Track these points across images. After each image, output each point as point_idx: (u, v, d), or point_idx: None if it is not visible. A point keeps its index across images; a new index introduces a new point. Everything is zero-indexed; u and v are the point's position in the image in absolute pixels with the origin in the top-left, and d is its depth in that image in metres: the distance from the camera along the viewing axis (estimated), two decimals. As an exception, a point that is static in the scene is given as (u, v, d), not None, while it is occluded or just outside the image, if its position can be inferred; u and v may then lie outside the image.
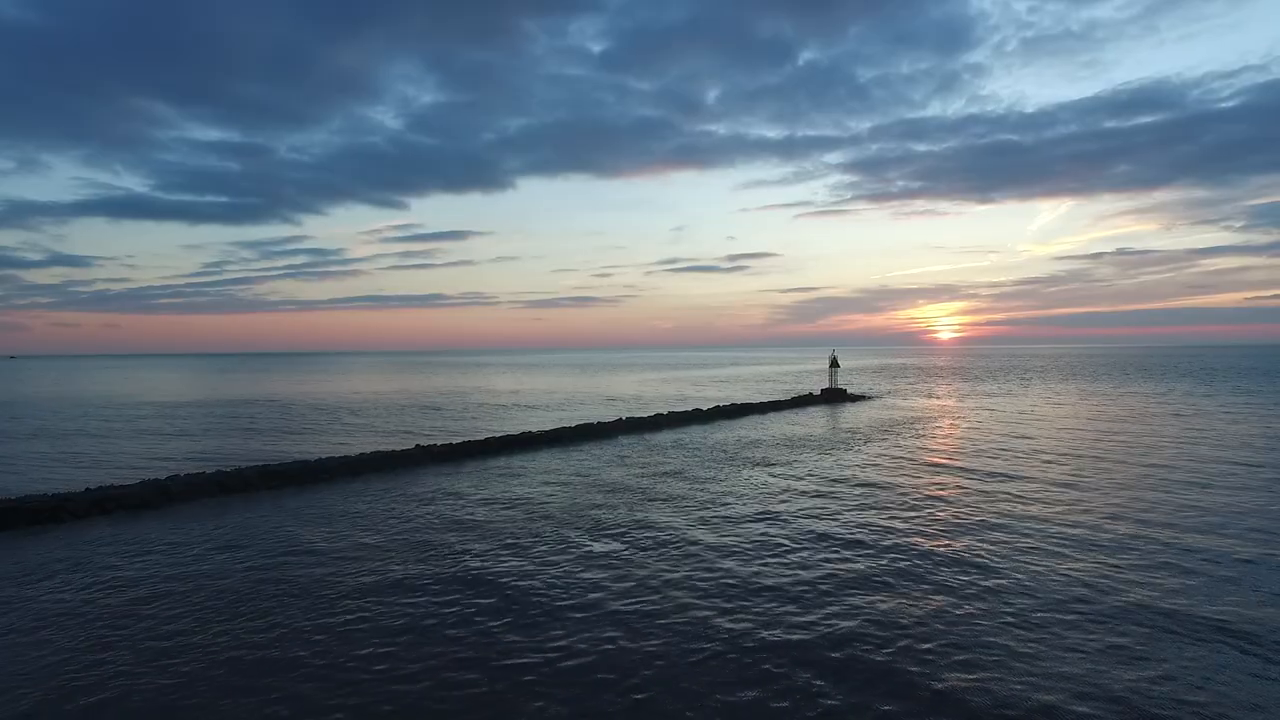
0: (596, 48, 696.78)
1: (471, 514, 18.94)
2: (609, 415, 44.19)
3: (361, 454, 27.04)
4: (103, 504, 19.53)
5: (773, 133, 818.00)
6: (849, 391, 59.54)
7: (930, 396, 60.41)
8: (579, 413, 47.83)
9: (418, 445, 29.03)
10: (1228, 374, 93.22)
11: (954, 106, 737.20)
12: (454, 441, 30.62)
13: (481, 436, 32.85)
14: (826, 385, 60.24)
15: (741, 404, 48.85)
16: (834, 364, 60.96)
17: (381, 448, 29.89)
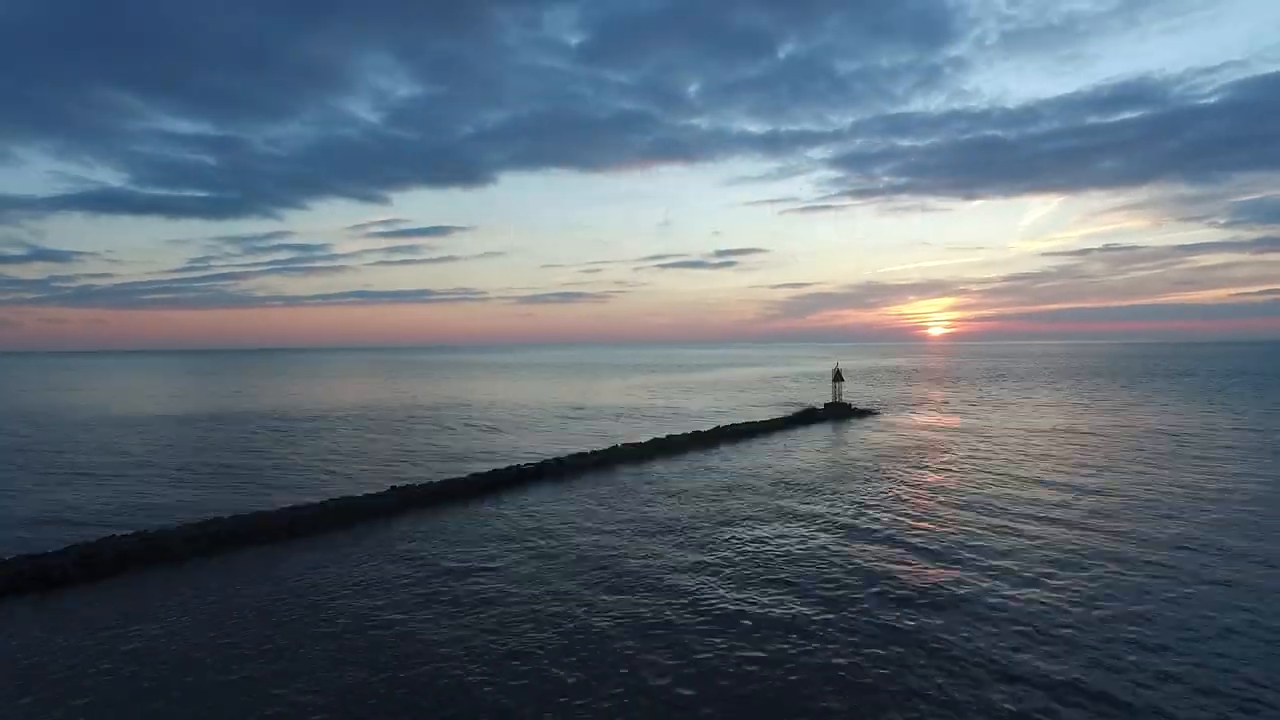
0: (573, 39, 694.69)
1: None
2: (595, 434, 42.61)
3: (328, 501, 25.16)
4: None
5: (755, 127, 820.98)
6: (853, 406, 59.24)
7: (934, 411, 58.74)
8: (567, 432, 46.19)
9: (392, 487, 27.09)
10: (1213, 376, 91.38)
11: (936, 102, 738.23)
12: (433, 481, 28.58)
13: (471, 469, 31.05)
14: (830, 399, 60.47)
15: (745, 424, 46.62)
16: (838, 377, 61.15)
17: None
